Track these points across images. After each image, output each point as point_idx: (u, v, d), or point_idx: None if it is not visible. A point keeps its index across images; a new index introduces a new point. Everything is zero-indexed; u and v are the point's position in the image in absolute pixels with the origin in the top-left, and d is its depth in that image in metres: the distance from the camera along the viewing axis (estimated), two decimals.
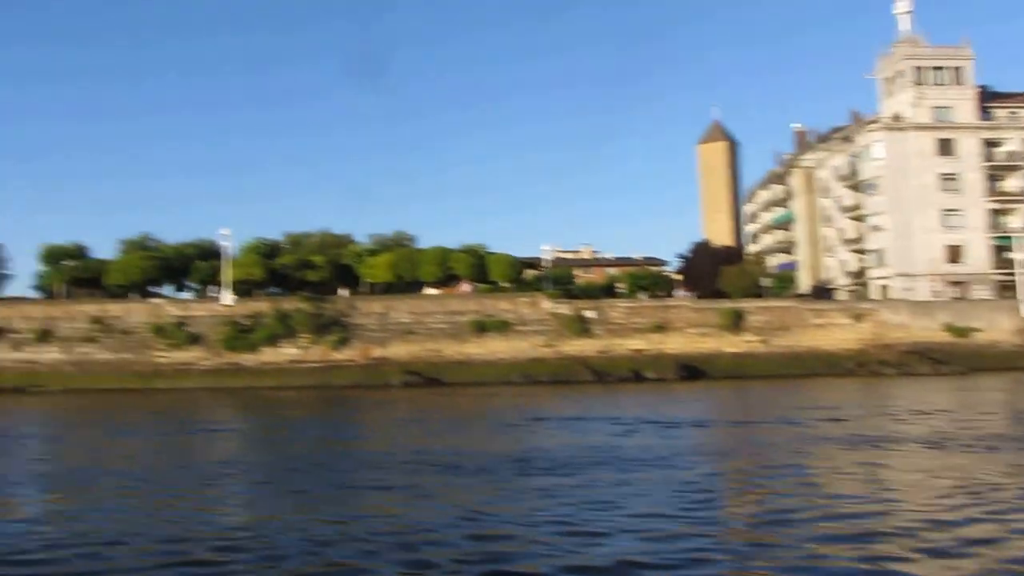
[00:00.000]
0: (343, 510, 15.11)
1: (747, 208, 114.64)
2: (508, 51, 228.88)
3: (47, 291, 76.82)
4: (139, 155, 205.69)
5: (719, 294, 76.11)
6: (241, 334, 63.30)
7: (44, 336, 62.94)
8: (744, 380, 58.92)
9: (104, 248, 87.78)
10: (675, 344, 65.23)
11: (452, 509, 14.65)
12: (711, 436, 27.44)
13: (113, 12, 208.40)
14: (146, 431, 33.51)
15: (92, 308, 64.54)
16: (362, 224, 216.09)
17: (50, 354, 62.99)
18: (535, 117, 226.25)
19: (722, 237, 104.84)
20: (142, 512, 15.59)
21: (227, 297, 64.74)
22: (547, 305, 66.65)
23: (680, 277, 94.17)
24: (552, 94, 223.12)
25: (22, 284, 79.65)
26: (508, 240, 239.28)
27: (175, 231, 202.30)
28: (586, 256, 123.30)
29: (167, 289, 74.35)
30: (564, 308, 66.44)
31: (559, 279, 74.87)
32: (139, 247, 72.01)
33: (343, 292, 69.54)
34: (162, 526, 14.00)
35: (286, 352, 63.97)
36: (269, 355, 63.69)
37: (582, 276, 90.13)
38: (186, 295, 73.34)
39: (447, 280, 73.82)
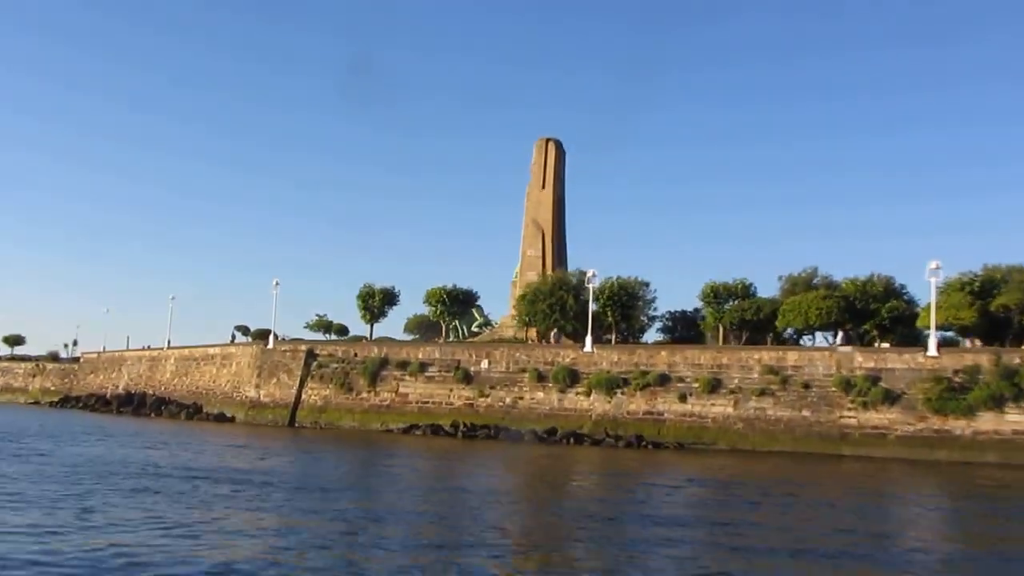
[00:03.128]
0: None
1: None
2: None
3: (679, 335, 71.34)
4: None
5: None
6: (951, 393, 49.27)
7: (712, 387, 55.86)
8: None
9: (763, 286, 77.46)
10: None
11: None
12: None
13: None
14: None
15: (767, 356, 55.78)
16: None
17: (718, 407, 55.82)
18: None
19: None
20: None
21: (932, 346, 51.20)
22: None
23: None
24: None
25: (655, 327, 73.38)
26: None
27: (841, 265, 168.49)
28: None
29: (823, 335, 63.36)
30: None
31: None
32: (805, 285, 62.47)
33: None
34: None
35: (1012, 419, 48.35)
36: (988, 422, 48.67)
37: None
38: (840, 342, 60.85)
39: None
